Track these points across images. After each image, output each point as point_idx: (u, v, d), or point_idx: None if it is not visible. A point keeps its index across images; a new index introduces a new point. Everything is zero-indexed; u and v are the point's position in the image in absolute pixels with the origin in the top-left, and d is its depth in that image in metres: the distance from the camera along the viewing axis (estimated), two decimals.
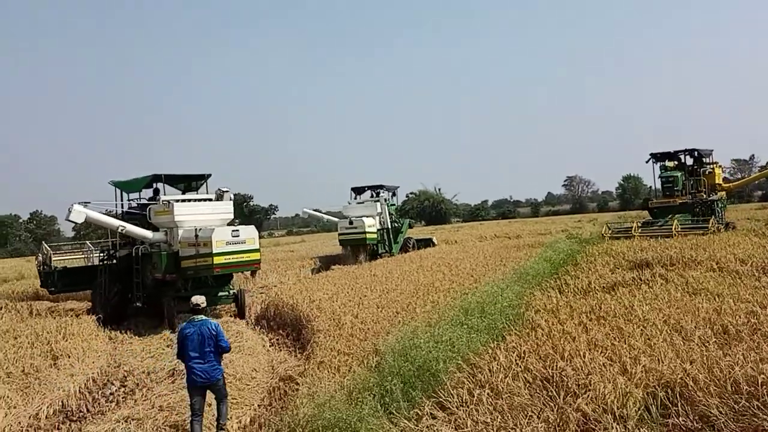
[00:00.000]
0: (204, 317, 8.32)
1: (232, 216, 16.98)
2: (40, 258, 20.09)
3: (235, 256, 15.37)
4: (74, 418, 9.78)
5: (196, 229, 15.49)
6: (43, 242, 23.57)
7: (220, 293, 16.74)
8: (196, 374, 7.89)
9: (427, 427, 5.97)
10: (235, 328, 15.33)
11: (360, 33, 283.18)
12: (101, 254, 18.59)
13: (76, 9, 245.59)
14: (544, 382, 6.74)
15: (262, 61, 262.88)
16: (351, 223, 30.05)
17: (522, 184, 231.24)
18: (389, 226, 31.73)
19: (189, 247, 15.48)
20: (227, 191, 17.09)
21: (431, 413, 6.38)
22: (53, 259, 20.03)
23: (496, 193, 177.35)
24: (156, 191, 17.55)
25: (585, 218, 61.66)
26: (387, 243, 31.58)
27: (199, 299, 8.48)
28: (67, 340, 13.41)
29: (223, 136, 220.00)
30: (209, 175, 17.69)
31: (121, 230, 15.98)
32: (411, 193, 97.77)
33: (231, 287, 17.27)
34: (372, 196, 33.11)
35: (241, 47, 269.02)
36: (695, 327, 8.48)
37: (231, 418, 8.62)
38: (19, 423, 9.29)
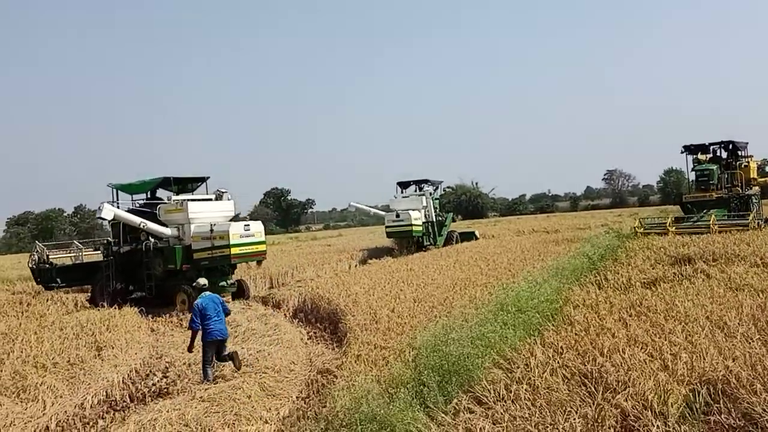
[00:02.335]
0: (209, 293, 10.92)
1: (233, 213, 19.27)
2: (35, 257, 21.08)
3: (247, 247, 17.64)
4: (118, 408, 10.01)
5: (211, 224, 17.43)
6: (36, 241, 25.17)
7: (221, 283, 18.10)
8: (215, 332, 10.39)
9: (465, 421, 5.97)
10: (273, 321, 15.53)
11: (395, 26, 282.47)
12: (104, 251, 19.86)
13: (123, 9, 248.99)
14: (583, 378, 6.69)
15: (300, 57, 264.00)
16: (398, 216, 30.94)
17: (561, 177, 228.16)
18: (434, 220, 32.83)
19: (203, 240, 17.49)
20: (225, 192, 19.13)
21: (468, 408, 6.38)
22: (51, 256, 21.47)
23: (534, 188, 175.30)
24: (153, 192, 19.50)
25: (625, 212, 60.66)
26: (432, 236, 32.65)
27: (203, 281, 11.32)
28: (110, 332, 13.73)
29: (261, 130, 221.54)
30: (208, 177, 19.68)
31: (143, 226, 17.77)
32: (448, 188, 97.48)
33: (230, 278, 18.99)
34: (416, 191, 33.98)
35: (276, 40, 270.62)
36: (738, 323, 8.33)
37: (270, 409, 8.79)
38: (65, 412, 9.55)
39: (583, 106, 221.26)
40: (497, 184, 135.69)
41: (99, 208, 17.17)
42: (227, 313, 10.92)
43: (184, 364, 12.28)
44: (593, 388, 6.31)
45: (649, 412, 5.57)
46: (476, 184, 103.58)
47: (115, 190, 19.00)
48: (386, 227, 31.90)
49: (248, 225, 17.91)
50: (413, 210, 31.23)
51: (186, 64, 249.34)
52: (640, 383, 6.09)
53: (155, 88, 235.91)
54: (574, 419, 5.59)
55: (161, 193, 20.00)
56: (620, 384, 6.24)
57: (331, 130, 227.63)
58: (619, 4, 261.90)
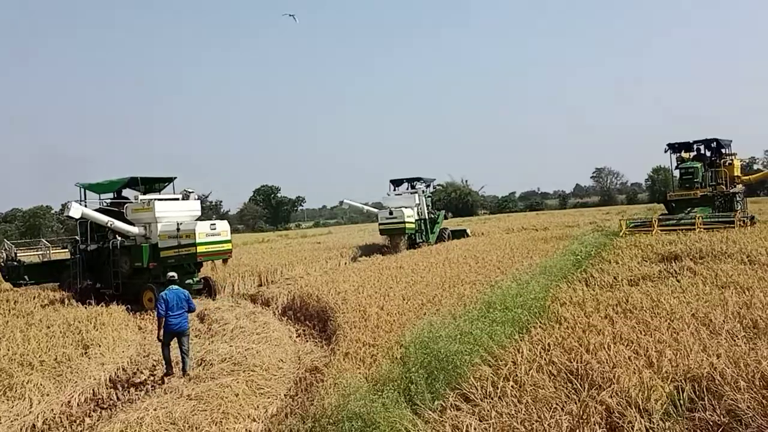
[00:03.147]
0: (177, 287, 11.59)
1: (199, 213, 19.51)
2: (3, 255, 21.44)
3: (213, 246, 18.04)
4: (105, 406, 9.99)
5: (178, 224, 17.80)
6: (5, 240, 25.43)
7: (187, 281, 18.26)
8: (172, 324, 11.07)
9: (452, 418, 5.99)
10: (262, 319, 15.52)
11: (380, 28, 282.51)
12: (71, 249, 20.15)
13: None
14: (569, 374, 6.72)
15: (289, 56, 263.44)
16: (391, 213, 31.43)
17: (550, 175, 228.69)
18: (426, 217, 33.45)
19: (169, 239, 17.87)
20: (192, 192, 19.60)
21: (455, 405, 6.40)
22: (20, 255, 21.99)
23: (524, 185, 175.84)
24: (120, 192, 19.76)
25: (613, 210, 60.92)
26: (424, 233, 33.22)
27: (173, 273, 12.14)
28: (98, 330, 13.67)
29: (252, 128, 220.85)
30: (175, 178, 20.08)
31: (110, 225, 18.15)
32: (438, 185, 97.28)
33: (196, 276, 19.28)
34: (408, 188, 34.53)
35: (264, 41, 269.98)
36: (724, 321, 8.40)
37: (258, 407, 8.77)
38: (52, 410, 9.50)
39: (574, 105, 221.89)
40: (487, 182, 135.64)
41: (67, 206, 17.56)
42: (192, 309, 11.62)
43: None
44: (579, 385, 6.34)
45: (634, 408, 5.61)
46: (466, 182, 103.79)
47: (83, 189, 19.34)
48: (380, 224, 32.31)
49: (214, 224, 18.32)
50: (406, 207, 31.75)
51: (172, 62, 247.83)
52: (624, 380, 6.13)
53: (143, 85, 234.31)
54: (560, 416, 5.62)
55: (129, 192, 20.25)
56: (605, 381, 6.28)
57: (322, 128, 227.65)
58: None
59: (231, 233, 19.22)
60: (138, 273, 18.46)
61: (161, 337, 11.14)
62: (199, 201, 19.77)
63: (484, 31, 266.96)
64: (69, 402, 9.96)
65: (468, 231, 37.54)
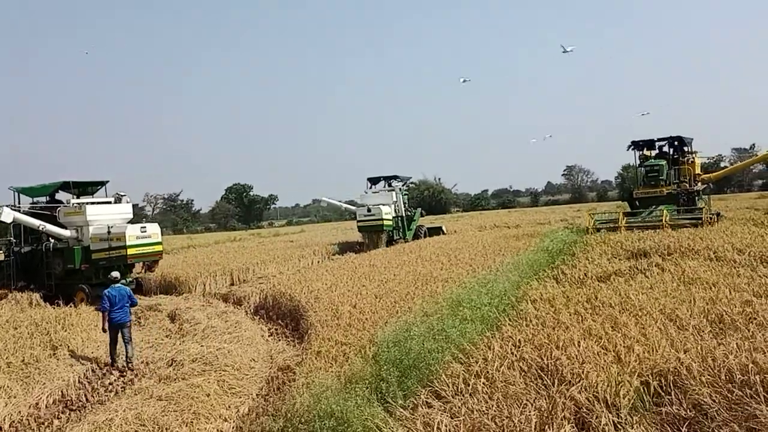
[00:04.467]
0: (120, 285, 12.59)
1: (131, 216, 19.87)
2: None
3: (143, 248, 18.56)
4: (74, 408, 9.85)
5: (108, 227, 18.24)
6: None
7: (122, 281, 18.20)
8: (115, 318, 12.07)
9: (423, 415, 6.01)
10: (234, 318, 15.43)
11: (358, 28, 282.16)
12: (5, 250, 20.52)
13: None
14: (539, 371, 6.78)
15: (263, 54, 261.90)
16: (369, 210, 32.01)
17: (522, 173, 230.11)
18: (403, 214, 33.95)
19: (101, 241, 18.34)
20: (124, 195, 19.96)
21: (427, 402, 6.43)
22: None
23: (496, 183, 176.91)
24: (53, 195, 20.20)
25: (584, 208, 61.56)
26: (402, 230, 33.80)
27: (115, 273, 13.07)
28: (66, 331, 13.51)
29: (224, 126, 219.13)
30: (107, 182, 20.56)
31: (42, 229, 18.38)
32: (411, 183, 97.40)
33: (129, 277, 19.63)
34: (385, 186, 35.03)
35: (242, 41, 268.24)
36: (690, 316, 8.54)
37: (230, 407, 8.72)
38: (19, 412, 9.37)
39: (544, 103, 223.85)
40: (459, 179, 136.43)
41: None
42: (134, 304, 12.77)
43: (142, 362, 12.14)
44: (549, 381, 6.41)
45: (602, 403, 5.68)
46: (439, 179, 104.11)
47: (16, 193, 19.66)
48: (358, 221, 32.84)
49: (144, 227, 18.82)
50: (384, 205, 32.33)
51: (153, 61, 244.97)
52: (593, 376, 6.20)
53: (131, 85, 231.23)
54: (530, 412, 5.67)
55: (62, 196, 20.70)
56: (575, 376, 6.35)
57: (295, 126, 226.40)
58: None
59: (162, 235, 19.91)
60: (71, 274, 18.89)
61: (106, 329, 12.17)
62: (130, 204, 20.24)
63: (461, 27, 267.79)
64: (37, 404, 9.84)
65: (444, 228, 37.86)
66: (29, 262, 19.54)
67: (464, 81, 64.00)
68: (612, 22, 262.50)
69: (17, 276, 19.35)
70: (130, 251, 17.96)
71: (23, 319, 14.51)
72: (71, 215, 18.88)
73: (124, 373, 11.61)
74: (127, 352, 12.09)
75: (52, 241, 19.06)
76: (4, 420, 9.04)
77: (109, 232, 18.15)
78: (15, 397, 9.75)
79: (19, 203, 19.46)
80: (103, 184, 20.53)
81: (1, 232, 22.38)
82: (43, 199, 20.25)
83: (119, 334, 12.21)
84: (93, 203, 19.19)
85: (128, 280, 19.25)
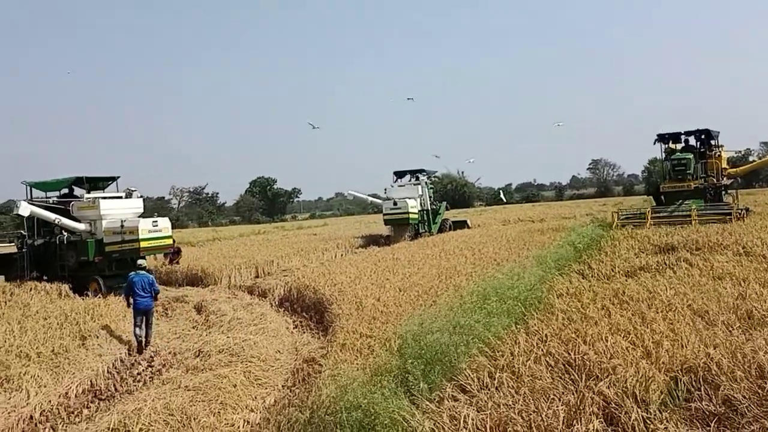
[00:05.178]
0: (144, 272, 13.44)
1: (142, 210, 20.32)
2: None
3: (155, 241, 18.95)
4: (103, 397, 9.99)
5: (122, 220, 18.76)
6: None
7: (131, 273, 18.78)
8: (139, 304, 12.81)
9: (449, 409, 6.00)
10: (259, 310, 15.55)
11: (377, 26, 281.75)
12: (18, 243, 21.06)
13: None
14: (566, 365, 6.74)
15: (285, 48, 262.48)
16: (395, 204, 32.29)
17: (547, 167, 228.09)
18: (429, 208, 34.24)
19: (114, 234, 18.83)
20: (135, 190, 20.39)
21: (453, 396, 6.42)
22: None
23: (520, 177, 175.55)
24: (71, 189, 20.68)
25: (610, 202, 60.98)
26: (427, 223, 33.99)
27: (142, 261, 14.14)
28: (95, 321, 13.68)
29: (248, 120, 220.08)
30: (118, 177, 21.03)
31: (57, 222, 19.03)
32: (434, 177, 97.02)
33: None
34: (410, 180, 35.20)
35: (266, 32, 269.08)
36: (719, 312, 8.43)
37: (256, 398, 8.79)
38: (50, 401, 9.50)
39: (571, 97, 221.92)
40: (483, 174, 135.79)
41: (16, 205, 18.56)
42: (157, 292, 13.43)
43: (170, 353, 12.29)
44: (576, 376, 6.36)
45: (631, 399, 5.63)
46: (462, 173, 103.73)
47: (29, 187, 20.13)
48: (384, 215, 33.10)
49: (156, 221, 19.28)
50: (410, 198, 32.59)
51: (172, 61, 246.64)
52: (622, 371, 6.15)
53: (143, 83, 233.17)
54: (557, 406, 5.64)
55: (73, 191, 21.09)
56: (603, 372, 6.30)
57: (319, 120, 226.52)
58: None
59: (172, 229, 20.39)
60: (84, 266, 19.40)
61: (129, 305, 13.13)
62: (141, 199, 20.75)
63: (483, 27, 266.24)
64: (67, 393, 9.97)
65: (468, 222, 37.91)
66: (42, 255, 20.12)
67: (408, 99, 67.59)
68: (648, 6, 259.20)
69: (30, 268, 19.87)
70: (142, 244, 18.38)
71: (53, 309, 14.70)
72: (85, 209, 19.47)
73: (152, 364, 11.76)
74: (146, 336, 12.82)
75: (66, 234, 19.61)
76: (35, 409, 9.18)
77: (122, 226, 18.67)
78: (45, 387, 9.90)
79: (31, 197, 19.96)
80: (114, 179, 21.09)
81: (14, 226, 22.84)
82: (55, 193, 20.73)
83: (143, 319, 12.82)
84: (106, 197, 19.75)
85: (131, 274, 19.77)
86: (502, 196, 73.29)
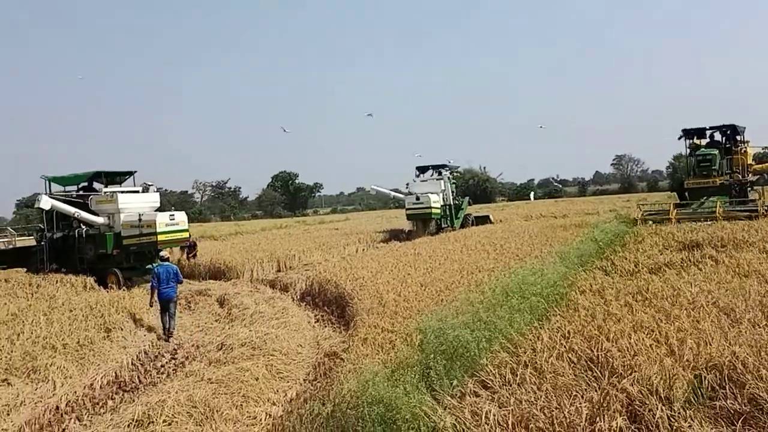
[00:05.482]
0: (168, 263, 14.11)
1: (158, 204, 20.91)
2: None
3: (172, 234, 19.46)
4: (127, 389, 10.12)
5: (140, 214, 19.26)
6: None
7: (147, 266, 19.99)
8: (163, 293, 13.42)
9: (471, 404, 6.00)
10: (281, 304, 15.62)
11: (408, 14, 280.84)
12: (36, 236, 21.77)
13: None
14: (589, 362, 6.70)
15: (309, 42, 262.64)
16: (418, 198, 32.45)
17: (569, 163, 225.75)
18: (451, 203, 34.40)
19: (131, 228, 19.30)
20: (151, 185, 21.03)
21: (474, 391, 6.41)
22: None
23: (542, 172, 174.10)
24: (90, 183, 21.24)
25: (634, 198, 60.36)
26: (449, 218, 34.18)
27: (164, 253, 14.88)
28: (119, 314, 13.84)
29: (269, 114, 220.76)
30: (135, 172, 21.67)
31: (76, 215, 19.57)
32: (456, 172, 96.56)
33: (155, 263, 20.06)
34: (433, 175, 35.32)
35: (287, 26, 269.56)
36: (745, 309, 8.32)
37: (278, 391, 8.85)
38: (75, 392, 9.64)
39: (592, 93, 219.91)
40: (505, 169, 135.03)
41: (37, 199, 19.24)
42: (180, 281, 14.11)
43: (193, 346, 12.40)
44: (599, 373, 6.32)
45: (655, 397, 5.59)
46: (484, 168, 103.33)
47: (48, 182, 20.65)
48: (407, 209, 33.29)
49: (173, 215, 19.77)
50: (432, 193, 32.68)
51: (191, 54, 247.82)
52: (645, 368, 6.10)
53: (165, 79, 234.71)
54: (580, 403, 5.61)
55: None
56: (626, 369, 6.25)
57: (340, 114, 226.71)
58: None
59: (194, 223, 21.37)
60: (102, 259, 19.89)
61: (152, 304, 13.64)
62: (157, 193, 21.30)
63: (511, 17, 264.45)
64: (92, 384, 10.11)
65: (491, 217, 37.86)
66: (61, 248, 20.55)
67: (368, 115, 68.86)
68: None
69: (50, 260, 20.31)
70: (160, 237, 18.86)
71: (78, 301, 14.91)
72: (103, 203, 19.90)
73: (175, 356, 11.88)
74: (170, 325, 13.39)
75: (84, 227, 20.06)
76: (61, 399, 9.32)
77: (140, 220, 19.10)
78: (71, 378, 10.05)
79: (50, 191, 20.43)
80: (131, 174, 21.60)
81: (39, 220, 23.31)
82: (73, 187, 21.21)
83: (167, 308, 13.43)
84: (124, 192, 20.22)
85: (155, 265, 19.88)
86: (532, 197, 75.00)
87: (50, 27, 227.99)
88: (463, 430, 5.63)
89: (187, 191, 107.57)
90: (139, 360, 11.69)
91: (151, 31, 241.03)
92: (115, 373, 10.75)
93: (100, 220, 19.71)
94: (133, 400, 9.06)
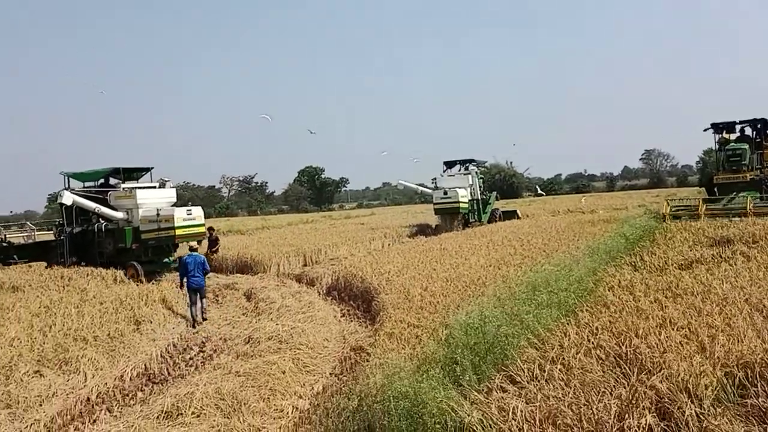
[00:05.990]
0: (196, 253, 14.91)
1: (175, 199, 21.43)
2: None
3: (189, 228, 19.87)
4: (156, 381, 10.26)
5: (157, 209, 19.72)
6: None
7: (165, 260, 21.02)
8: (193, 283, 14.15)
9: (498, 400, 5.98)
10: (307, 298, 15.72)
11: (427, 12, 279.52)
12: (56, 231, 22.14)
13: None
14: (617, 359, 6.63)
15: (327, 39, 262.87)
16: (446, 193, 32.46)
17: (597, 157, 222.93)
18: (479, 198, 34.32)
19: (149, 223, 19.77)
20: (168, 180, 21.50)
21: (501, 387, 6.38)
22: (8, 236, 24.24)
23: (570, 167, 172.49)
24: (107, 180, 21.75)
25: (663, 193, 59.56)
26: (477, 213, 34.13)
27: (193, 244, 16.16)
28: (149, 307, 14.05)
29: (293, 109, 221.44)
30: (152, 168, 22.19)
31: (97, 210, 20.19)
32: (483, 167, 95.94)
33: (172, 255, 21.23)
34: (461, 170, 35.20)
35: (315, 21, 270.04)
36: None
37: (304, 385, 8.96)
38: (105, 384, 9.83)
39: (619, 86, 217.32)
40: (532, 164, 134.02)
41: (59, 194, 20.06)
42: (207, 271, 14.81)
43: (221, 339, 12.52)
44: (628, 370, 6.26)
45: (684, 394, 5.52)
46: (511, 163, 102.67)
47: (67, 178, 21.10)
48: (434, 204, 33.24)
49: (190, 210, 20.14)
50: (460, 188, 32.67)
51: (191, 54, 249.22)
52: (675, 365, 6.02)
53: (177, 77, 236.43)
54: (609, 400, 5.56)
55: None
56: (655, 366, 6.17)
57: (367, 109, 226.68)
58: None
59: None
60: (121, 253, 20.30)
61: (183, 287, 14.34)
62: (174, 189, 21.77)
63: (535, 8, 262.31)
64: (122, 376, 10.28)
65: (518, 212, 37.69)
66: (80, 242, 20.99)
67: (311, 132, 69.59)
68: None
69: (69, 254, 20.68)
70: (177, 232, 19.35)
71: (108, 294, 15.13)
72: (122, 198, 20.42)
73: (204, 349, 12.01)
74: (202, 312, 14.26)
75: (103, 222, 20.63)
76: (92, 391, 9.50)
77: (158, 214, 19.54)
78: (101, 369, 10.24)
79: (68, 187, 20.86)
80: (148, 170, 22.07)
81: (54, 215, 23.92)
82: (92, 183, 21.62)
83: (197, 296, 14.16)
84: (142, 187, 20.69)
85: (172, 259, 20.97)
86: (539, 191, 75.66)
87: (50, 27, 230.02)
88: (490, 425, 5.61)
89: (214, 186, 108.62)
90: (168, 352, 11.85)
91: (151, 31, 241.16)
92: (145, 365, 10.91)
93: (119, 215, 20.20)
94: (162, 392, 9.19)
